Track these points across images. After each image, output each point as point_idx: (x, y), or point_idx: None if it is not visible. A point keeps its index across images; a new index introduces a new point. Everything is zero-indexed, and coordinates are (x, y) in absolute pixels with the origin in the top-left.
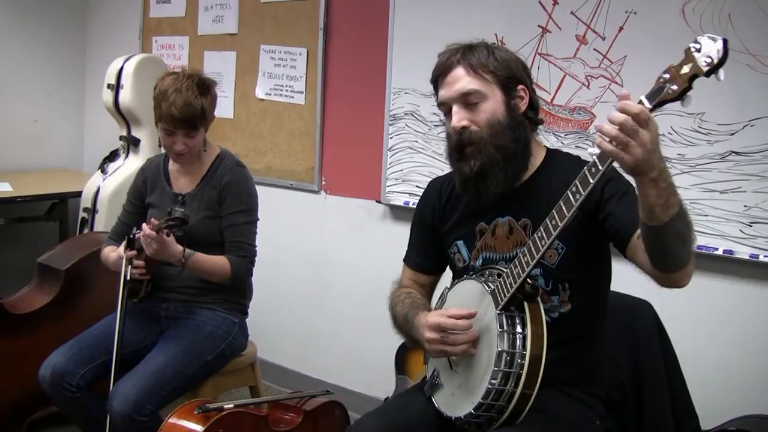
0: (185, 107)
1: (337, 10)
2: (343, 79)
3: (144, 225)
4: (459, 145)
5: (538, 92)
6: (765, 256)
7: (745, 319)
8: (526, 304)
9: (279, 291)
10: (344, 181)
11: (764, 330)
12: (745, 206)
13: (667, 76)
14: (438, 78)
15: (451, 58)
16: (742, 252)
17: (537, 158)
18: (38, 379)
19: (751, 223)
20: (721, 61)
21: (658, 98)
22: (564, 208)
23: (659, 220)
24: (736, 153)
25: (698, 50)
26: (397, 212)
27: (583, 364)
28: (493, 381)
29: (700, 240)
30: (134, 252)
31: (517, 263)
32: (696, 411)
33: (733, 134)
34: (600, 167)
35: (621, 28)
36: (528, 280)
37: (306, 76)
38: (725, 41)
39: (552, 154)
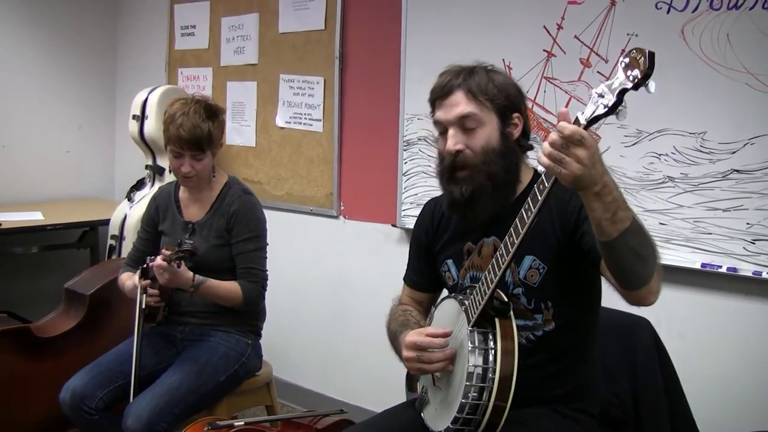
0: (193, 129)
1: (351, 39)
2: (358, 107)
3: (157, 258)
4: (452, 168)
5: (544, 115)
6: None
7: (749, 336)
8: (497, 320)
9: (300, 314)
10: (362, 206)
11: None
12: (747, 224)
13: (600, 91)
14: (437, 99)
15: (452, 81)
16: (746, 269)
17: (524, 181)
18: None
19: (754, 240)
20: (647, 74)
21: (592, 115)
22: (519, 225)
23: (608, 235)
24: (738, 171)
25: (627, 64)
26: None
27: (572, 381)
28: (467, 395)
29: (705, 258)
30: (148, 281)
31: (484, 280)
32: (699, 428)
33: (734, 152)
34: (546, 184)
35: (623, 51)
36: (501, 296)
37: (323, 105)
38: (651, 54)
39: (539, 176)
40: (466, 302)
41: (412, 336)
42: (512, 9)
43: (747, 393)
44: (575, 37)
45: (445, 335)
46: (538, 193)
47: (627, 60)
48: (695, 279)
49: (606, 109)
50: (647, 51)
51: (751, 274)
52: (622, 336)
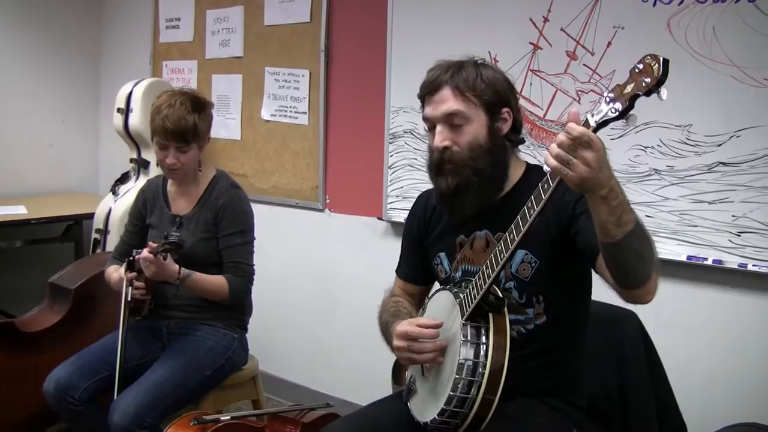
0: (178, 121)
1: (337, 32)
2: (344, 100)
3: (144, 250)
4: (439, 163)
5: (531, 108)
6: (754, 266)
7: (734, 328)
8: (491, 315)
9: (286, 307)
10: (347, 199)
11: (754, 339)
12: (733, 216)
13: (611, 95)
14: (425, 95)
15: (440, 77)
16: (731, 261)
17: (515, 175)
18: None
19: (740, 232)
20: (660, 81)
21: (602, 118)
22: (520, 222)
23: (613, 237)
24: (724, 164)
25: (640, 70)
26: (398, 228)
27: (561, 374)
28: (455, 388)
29: (690, 251)
30: (134, 274)
31: (480, 275)
32: (684, 420)
33: (720, 145)
34: (551, 183)
35: (609, 44)
36: (496, 291)
37: (309, 97)
38: (665, 61)
39: (531, 170)
40: (461, 295)
41: (404, 326)
42: (498, 2)
43: (733, 384)
44: (561, 29)
45: (437, 327)
46: (542, 192)
47: (641, 66)
48: (681, 271)
49: (616, 113)
50: (661, 58)
51: (736, 266)
52: (609, 329)
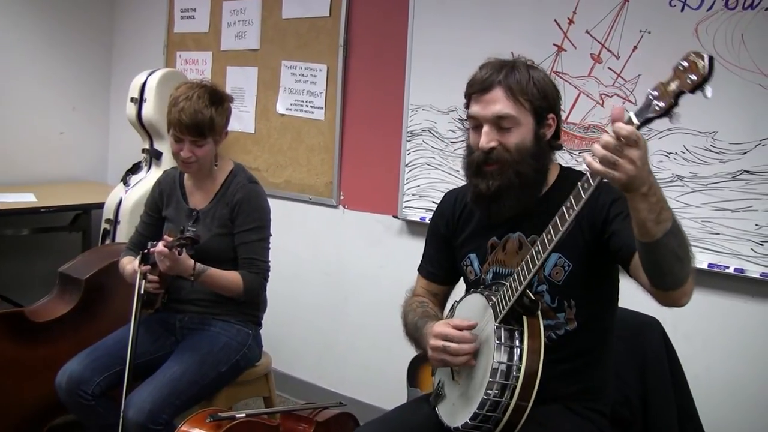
0: (194, 114)
1: (356, 27)
2: (361, 96)
3: (159, 243)
4: (481, 162)
5: None
6: None
7: (756, 337)
8: (525, 318)
9: (297, 304)
10: (362, 196)
11: None
12: (756, 225)
13: (655, 93)
14: (474, 93)
15: (492, 77)
16: (754, 271)
17: (551, 177)
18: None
19: (763, 241)
20: (706, 78)
21: (646, 115)
22: (558, 222)
23: (652, 235)
24: (748, 172)
25: (685, 68)
26: (413, 227)
27: (588, 380)
28: (489, 392)
29: (712, 258)
30: (148, 267)
31: (515, 277)
32: (704, 429)
33: (745, 153)
34: (592, 183)
35: (635, 47)
36: (528, 294)
37: (326, 92)
38: (711, 58)
39: (565, 172)
40: (494, 298)
41: (441, 326)
42: (522, 2)
43: (752, 395)
44: (586, 32)
45: (470, 327)
46: (582, 192)
47: (685, 63)
48: (702, 279)
49: (661, 111)
50: (707, 55)
51: (758, 276)
52: (631, 335)
